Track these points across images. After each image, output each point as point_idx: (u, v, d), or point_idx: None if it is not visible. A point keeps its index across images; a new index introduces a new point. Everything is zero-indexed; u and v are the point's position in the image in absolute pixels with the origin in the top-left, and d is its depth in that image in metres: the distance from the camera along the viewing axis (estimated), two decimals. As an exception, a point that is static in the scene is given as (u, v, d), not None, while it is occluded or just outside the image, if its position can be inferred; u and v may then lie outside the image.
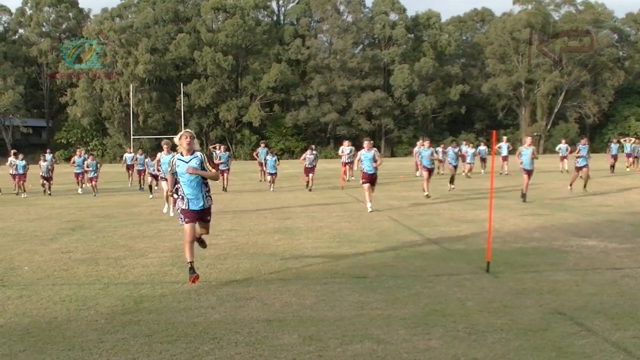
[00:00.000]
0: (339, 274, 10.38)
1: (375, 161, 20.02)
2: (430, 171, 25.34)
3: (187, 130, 10.71)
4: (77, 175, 32.63)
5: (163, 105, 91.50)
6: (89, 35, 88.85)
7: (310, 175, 29.64)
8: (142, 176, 33.35)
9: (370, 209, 19.48)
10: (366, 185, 19.83)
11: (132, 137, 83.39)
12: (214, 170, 10.33)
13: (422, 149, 26.81)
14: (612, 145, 42.89)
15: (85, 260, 12.08)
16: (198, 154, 10.24)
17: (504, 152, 40.69)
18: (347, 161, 33.04)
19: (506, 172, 38.78)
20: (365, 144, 20.67)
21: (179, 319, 7.82)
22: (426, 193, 23.82)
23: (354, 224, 16.81)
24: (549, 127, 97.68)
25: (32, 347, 6.85)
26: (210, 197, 10.36)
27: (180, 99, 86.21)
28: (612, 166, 40.10)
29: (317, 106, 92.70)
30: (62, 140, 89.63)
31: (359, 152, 20.86)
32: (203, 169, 10.09)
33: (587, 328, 7.22)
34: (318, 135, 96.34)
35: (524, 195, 22.06)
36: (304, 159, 30.67)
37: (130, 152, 39.75)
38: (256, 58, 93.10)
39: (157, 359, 6.45)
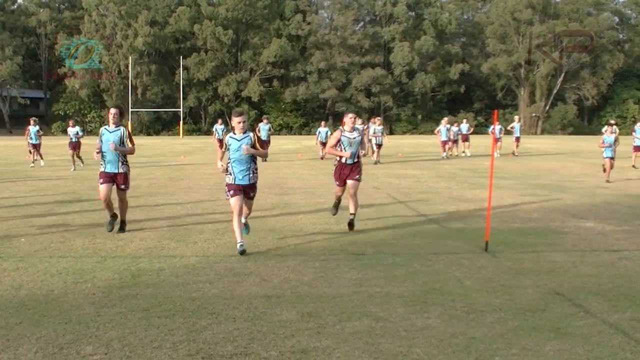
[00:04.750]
0: (338, 250, 10.39)
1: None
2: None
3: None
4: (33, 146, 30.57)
5: (162, 79, 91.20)
6: (88, 6, 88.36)
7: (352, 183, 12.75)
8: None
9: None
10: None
11: (130, 109, 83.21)
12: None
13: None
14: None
15: (82, 232, 12.06)
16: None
17: (517, 133, 38.91)
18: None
19: (516, 154, 37.90)
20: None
21: (177, 294, 7.81)
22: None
23: (352, 201, 16.78)
24: (547, 108, 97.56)
25: (28, 320, 6.83)
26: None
27: (180, 73, 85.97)
28: None
29: (316, 82, 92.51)
30: (60, 112, 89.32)
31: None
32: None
33: (585, 309, 7.22)
34: (317, 111, 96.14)
35: None
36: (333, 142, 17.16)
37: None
38: (256, 33, 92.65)
39: (155, 333, 6.44)
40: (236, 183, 10.48)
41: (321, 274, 8.82)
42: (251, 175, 10.62)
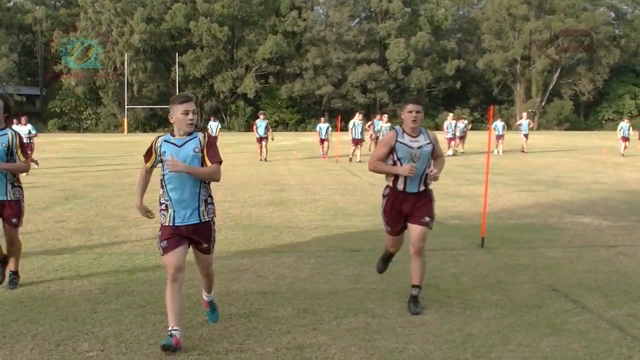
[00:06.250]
0: (334, 247, 10.39)
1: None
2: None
3: None
4: None
5: (158, 75, 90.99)
6: (84, 3, 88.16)
7: (417, 231, 7.50)
8: None
9: None
10: None
11: (126, 106, 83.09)
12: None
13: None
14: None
15: (78, 229, 12.04)
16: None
17: (525, 130, 37.88)
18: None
19: (525, 150, 37.06)
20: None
21: (173, 290, 7.80)
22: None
23: (348, 197, 16.80)
24: (543, 103, 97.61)
25: (24, 317, 6.82)
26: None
27: (175, 69, 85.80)
28: None
29: (312, 79, 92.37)
30: (56, 109, 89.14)
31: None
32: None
33: (581, 305, 7.24)
34: (313, 107, 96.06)
35: None
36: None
37: None
38: (252, 29, 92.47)
39: (151, 329, 6.44)
40: (175, 224, 6.17)
41: (317, 270, 8.82)
42: (202, 207, 6.25)
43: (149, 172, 6.64)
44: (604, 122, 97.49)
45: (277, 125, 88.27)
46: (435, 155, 7.38)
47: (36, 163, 24.04)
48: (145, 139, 60.26)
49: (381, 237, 11.11)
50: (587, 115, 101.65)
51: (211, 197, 6.38)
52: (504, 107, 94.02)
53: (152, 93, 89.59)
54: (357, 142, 30.06)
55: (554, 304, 7.30)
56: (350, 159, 29.44)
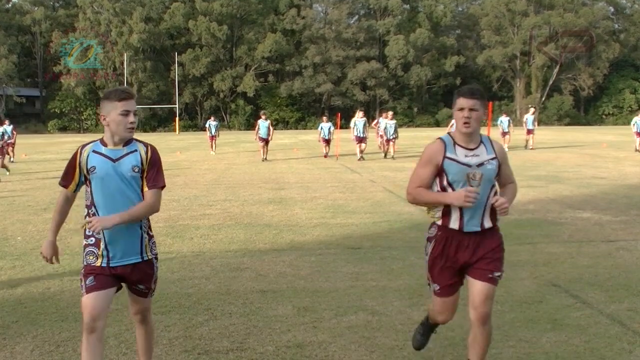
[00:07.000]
0: (334, 244, 10.38)
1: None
2: None
3: None
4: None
5: (157, 75, 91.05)
6: (83, 4, 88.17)
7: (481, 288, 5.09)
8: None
9: None
10: None
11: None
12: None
13: None
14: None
15: (78, 230, 12.00)
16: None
17: (530, 125, 36.53)
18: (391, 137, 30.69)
19: (531, 147, 35.68)
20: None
21: (173, 290, 7.80)
22: None
23: (348, 194, 16.79)
24: (543, 99, 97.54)
25: (24, 318, 6.82)
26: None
27: (175, 69, 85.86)
28: None
29: (311, 76, 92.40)
30: (56, 110, 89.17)
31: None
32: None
33: (582, 300, 7.23)
34: (312, 105, 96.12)
35: None
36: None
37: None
38: (251, 28, 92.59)
39: (151, 329, 6.43)
40: (110, 265, 4.69)
41: (317, 268, 8.81)
42: (146, 241, 4.82)
43: (70, 199, 5.09)
44: (604, 116, 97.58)
45: (277, 123, 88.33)
46: (504, 180, 5.08)
47: (7, 169, 24.12)
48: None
49: (381, 233, 11.14)
50: (587, 110, 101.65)
51: (151, 228, 4.96)
52: (504, 103, 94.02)
53: (152, 93, 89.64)
54: (360, 139, 29.81)
55: (555, 299, 7.29)
56: (359, 159, 29.03)
